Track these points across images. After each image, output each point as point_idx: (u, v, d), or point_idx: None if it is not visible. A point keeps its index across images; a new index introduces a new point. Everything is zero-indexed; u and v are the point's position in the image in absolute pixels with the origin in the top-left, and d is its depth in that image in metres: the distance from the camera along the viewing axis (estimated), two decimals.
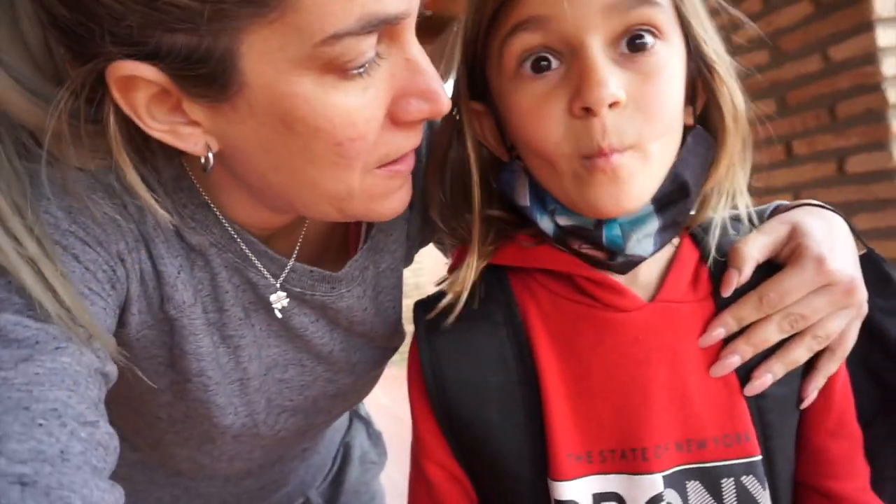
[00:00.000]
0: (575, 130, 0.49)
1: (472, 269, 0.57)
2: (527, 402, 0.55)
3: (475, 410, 0.56)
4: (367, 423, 1.06)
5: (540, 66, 0.49)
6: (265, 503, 0.86)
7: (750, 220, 0.59)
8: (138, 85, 0.44)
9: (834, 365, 0.54)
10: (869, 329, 0.57)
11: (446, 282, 0.60)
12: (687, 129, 0.54)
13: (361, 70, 0.46)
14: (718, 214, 0.57)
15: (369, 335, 0.71)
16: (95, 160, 0.49)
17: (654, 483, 0.51)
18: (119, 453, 0.45)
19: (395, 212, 0.56)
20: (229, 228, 0.57)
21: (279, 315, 0.62)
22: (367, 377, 0.76)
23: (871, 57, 1.91)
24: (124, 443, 0.48)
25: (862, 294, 0.54)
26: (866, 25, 1.90)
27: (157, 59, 0.43)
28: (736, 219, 0.59)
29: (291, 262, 0.61)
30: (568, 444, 0.53)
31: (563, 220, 0.54)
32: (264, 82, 0.44)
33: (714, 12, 0.57)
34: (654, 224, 0.52)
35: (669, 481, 0.51)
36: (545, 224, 0.55)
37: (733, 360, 0.52)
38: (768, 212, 0.63)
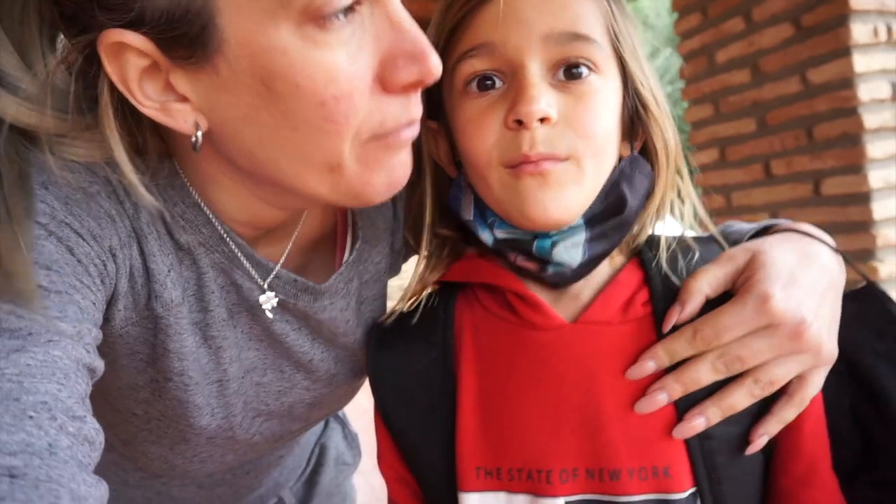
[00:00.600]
0: (506, 140, 0.52)
1: (418, 284, 0.61)
2: (444, 419, 0.57)
3: (404, 423, 0.60)
4: (343, 423, 1.06)
5: (485, 85, 0.54)
6: None
7: (729, 237, 0.60)
8: (127, 56, 0.45)
9: (791, 412, 0.51)
10: (859, 374, 0.54)
11: (404, 302, 0.64)
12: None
13: (340, 18, 0.45)
14: (665, 237, 0.57)
15: (351, 347, 0.71)
16: (92, 152, 0.50)
17: None
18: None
19: (392, 187, 0.53)
20: (219, 228, 0.57)
21: (269, 315, 0.62)
22: (346, 388, 0.76)
23: (848, 81, 1.94)
24: None
25: (816, 340, 0.49)
26: (844, 51, 1.93)
27: (142, 25, 0.44)
28: (710, 239, 0.59)
29: (277, 268, 0.61)
30: (477, 457, 0.55)
31: (500, 233, 0.56)
32: (242, 38, 0.44)
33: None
34: (581, 235, 0.54)
35: None
36: (485, 236, 0.57)
37: (660, 397, 0.50)
38: (755, 230, 0.61)
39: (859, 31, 1.92)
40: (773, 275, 0.50)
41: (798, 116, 2.10)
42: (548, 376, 0.54)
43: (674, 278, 0.55)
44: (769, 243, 0.54)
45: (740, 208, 2.35)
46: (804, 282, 0.51)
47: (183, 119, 0.49)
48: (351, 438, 1.06)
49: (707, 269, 0.53)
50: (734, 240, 0.59)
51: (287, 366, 0.68)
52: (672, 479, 0.50)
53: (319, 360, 0.69)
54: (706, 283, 0.52)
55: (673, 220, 0.61)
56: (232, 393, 0.63)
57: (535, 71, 0.52)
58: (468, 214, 0.59)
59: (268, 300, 0.61)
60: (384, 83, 0.48)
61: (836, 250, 0.56)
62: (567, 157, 0.52)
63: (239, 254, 0.59)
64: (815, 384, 0.51)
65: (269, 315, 0.62)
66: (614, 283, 0.56)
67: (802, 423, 0.52)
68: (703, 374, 0.50)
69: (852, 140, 1.95)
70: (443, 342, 0.60)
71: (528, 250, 0.55)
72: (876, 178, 1.93)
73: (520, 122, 0.51)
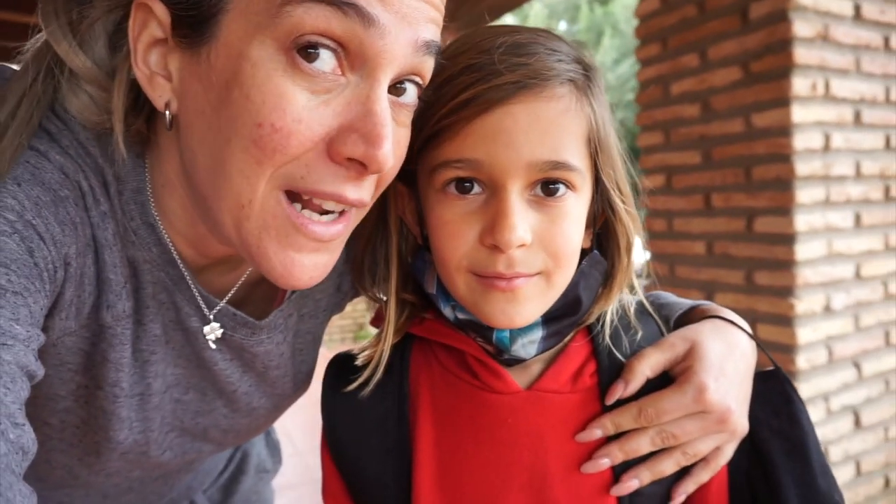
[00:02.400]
0: (480, 255, 0.55)
1: (387, 346, 0.64)
2: (396, 467, 0.62)
3: (356, 466, 0.64)
4: (267, 430, 1.06)
5: (464, 188, 0.56)
6: None
7: (660, 310, 0.67)
8: (150, 23, 0.50)
9: (706, 475, 0.59)
10: (755, 445, 0.61)
11: (364, 352, 0.66)
12: (584, 251, 0.61)
13: (315, 63, 0.46)
14: (610, 312, 0.64)
15: (281, 381, 0.72)
16: (91, 107, 0.53)
17: None
18: None
19: (285, 279, 0.52)
20: (171, 250, 0.58)
21: (212, 346, 0.64)
22: (264, 420, 0.77)
23: (785, 129, 2.06)
24: None
25: (735, 421, 0.58)
26: (784, 101, 2.05)
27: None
28: (642, 311, 0.66)
29: (221, 304, 0.62)
30: (432, 502, 0.59)
31: (461, 315, 0.61)
32: (230, 39, 0.47)
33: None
34: (538, 332, 0.60)
35: None
36: (447, 312, 0.62)
37: (604, 461, 0.58)
38: (683, 309, 0.68)
39: (800, 84, 2.04)
40: (708, 367, 0.58)
41: (739, 155, 2.22)
42: (502, 437, 0.60)
43: (617, 354, 0.62)
44: (703, 334, 0.61)
45: (680, 234, 2.47)
46: (730, 372, 0.59)
47: (160, 94, 0.52)
48: (273, 446, 1.07)
49: (649, 353, 0.60)
50: (665, 314, 0.67)
51: (210, 390, 0.68)
52: None
53: (243, 393, 0.70)
54: (648, 366, 0.60)
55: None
56: (152, 408, 0.64)
57: (516, 193, 0.54)
58: (431, 288, 0.62)
59: (212, 331, 0.63)
60: (330, 148, 0.48)
61: (752, 336, 0.64)
62: (538, 273, 0.55)
63: (185, 278, 0.60)
64: (728, 454, 0.60)
65: (213, 346, 0.63)
66: (565, 355, 0.62)
67: (711, 483, 0.61)
68: (643, 445, 0.58)
69: (784, 184, 2.08)
70: (398, 392, 0.63)
71: (485, 336, 0.60)
72: (802, 221, 2.07)
73: (495, 246, 0.53)
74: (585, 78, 0.58)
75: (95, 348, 0.57)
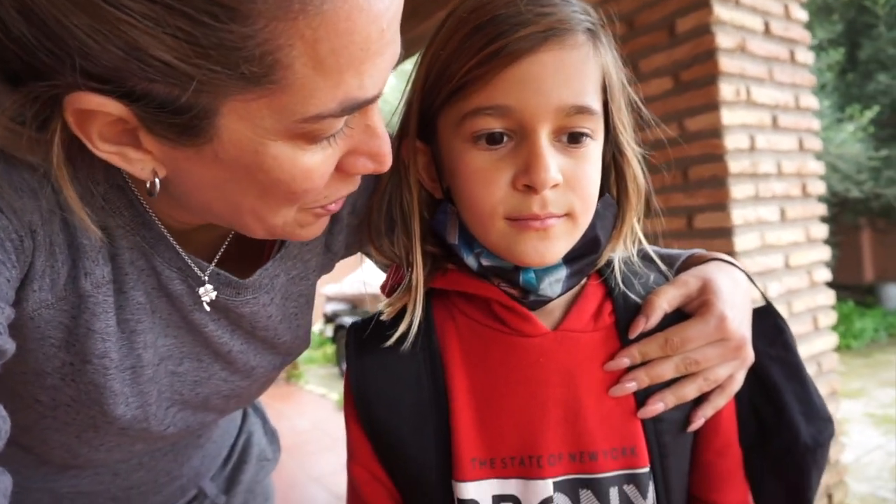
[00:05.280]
0: (514, 199, 0.58)
1: (419, 297, 0.65)
2: (435, 417, 0.63)
3: (390, 423, 0.64)
4: (263, 419, 1.05)
5: (494, 140, 0.58)
6: (158, 497, 0.81)
7: (662, 260, 0.71)
8: (97, 115, 0.43)
9: (723, 400, 0.64)
10: (757, 372, 0.67)
11: (388, 308, 0.67)
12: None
13: (330, 138, 0.49)
14: (618, 259, 0.68)
15: (272, 341, 0.71)
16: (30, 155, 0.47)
17: (546, 487, 0.60)
18: None
19: (314, 236, 0.60)
20: (147, 212, 0.56)
21: (207, 308, 0.62)
22: (264, 380, 0.76)
23: (716, 132, 2.24)
24: None
25: (748, 349, 0.63)
26: (714, 105, 2.24)
27: (129, 100, 0.42)
28: (646, 258, 0.70)
29: (210, 268, 0.61)
30: (472, 449, 0.61)
31: (486, 262, 0.63)
32: (237, 139, 0.45)
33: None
34: (563, 272, 0.63)
35: (559, 486, 0.60)
36: (470, 261, 0.64)
37: (630, 385, 0.62)
38: (683, 257, 0.73)
39: (726, 89, 2.24)
40: (725, 300, 0.63)
41: (675, 159, 2.38)
42: (535, 376, 0.62)
43: (631, 295, 0.66)
44: (712, 273, 0.66)
45: None
46: (739, 304, 0.64)
47: (140, 167, 0.48)
48: (271, 434, 1.06)
49: (666, 289, 0.65)
50: (668, 263, 0.72)
51: (205, 355, 0.67)
52: (637, 457, 0.61)
53: (239, 353, 0.69)
54: (665, 300, 0.64)
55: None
56: (146, 380, 0.62)
57: (545, 137, 0.56)
58: (453, 239, 0.64)
59: (206, 293, 0.62)
60: (341, 169, 0.53)
61: (748, 276, 0.70)
62: (566, 214, 0.59)
63: (163, 240, 0.58)
64: (740, 381, 0.65)
65: (207, 307, 0.62)
66: (583, 297, 0.66)
67: (722, 409, 0.65)
68: (668, 371, 0.62)
69: (719, 182, 2.25)
70: (428, 346, 0.65)
71: (511, 279, 0.62)
72: (737, 215, 2.24)
73: (529, 187, 0.56)
74: (597, 28, 0.62)
75: (77, 321, 0.55)
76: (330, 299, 8.38)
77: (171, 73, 0.40)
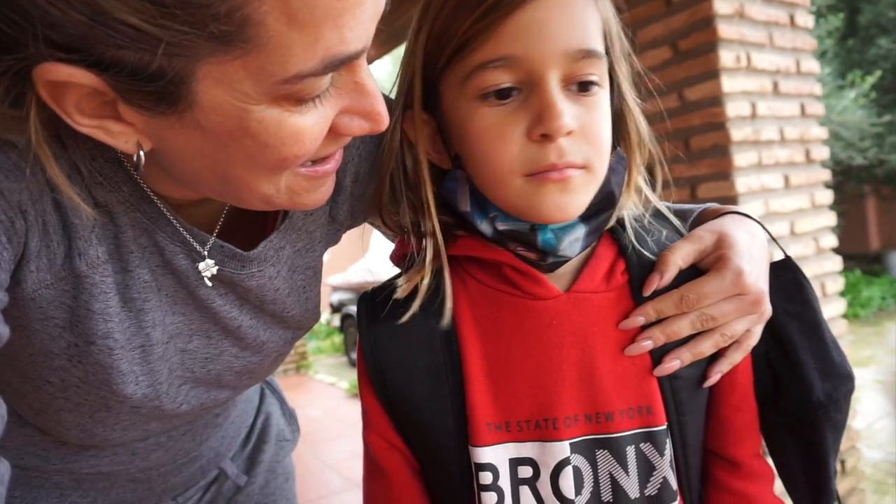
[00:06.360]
0: (530, 151, 0.56)
1: (443, 261, 0.64)
2: (450, 381, 0.62)
3: (406, 389, 0.63)
4: (280, 399, 1.04)
5: (503, 95, 0.56)
6: (179, 478, 0.81)
7: (675, 215, 0.69)
8: (71, 87, 0.42)
9: (739, 356, 0.63)
10: (773, 328, 0.65)
11: (402, 277, 0.66)
12: None
13: (316, 99, 0.47)
14: (628, 216, 0.67)
15: (281, 315, 0.70)
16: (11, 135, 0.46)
17: (563, 449, 0.59)
18: (7, 430, 0.43)
19: (319, 202, 0.58)
20: (144, 187, 0.55)
21: (208, 283, 0.61)
22: (276, 355, 0.75)
23: (717, 100, 2.22)
24: (10, 415, 0.44)
25: (766, 304, 0.61)
26: (714, 73, 2.21)
27: (99, 68, 0.40)
28: (657, 215, 0.69)
29: (212, 240, 0.60)
30: (487, 414, 0.61)
31: (501, 226, 0.62)
32: (217, 104, 0.44)
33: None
34: (581, 230, 0.61)
35: (576, 448, 0.60)
36: (484, 227, 0.62)
37: (646, 343, 0.61)
38: (696, 212, 0.71)
39: (726, 57, 2.20)
40: (741, 253, 0.61)
41: (676, 129, 2.36)
42: (549, 339, 0.61)
43: (644, 252, 0.64)
44: (728, 226, 0.64)
45: None
46: (757, 257, 0.62)
47: (124, 140, 0.47)
48: (289, 415, 1.05)
49: (679, 245, 0.63)
50: (682, 218, 0.70)
51: (215, 331, 0.66)
52: (653, 416, 0.60)
53: (248, 328, 0.68)
54: (679, 256, 0.62)
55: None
56: (156, 359, 0.61)
57: (556, 84, 0.55)
58: (465, 206, 0.63)
59: (207, 268, 0.61)
60: (334, 130, 0.51)
61: (764, 228, 0.68)
62: (583, 165, 0.57)
63: (164, 214, 0.57)
64: (757, 336, 0.64)
65: (208, 283, 0.61)
66: (595, 258, 0.65)
67: (738, 364, 0.64)
68: (684, 328, 0.61)
69: (721, 151, 2.23)
70: (441, 312, 0.63)
71: (528, 241, 0.61)
72: (741, 183, 2.22)
73: (544, 136, 0.55)
74: None
75: (77, 301, 0.54)
76: (336, 289, 8.38)
77: (139, 37, 0.39)
